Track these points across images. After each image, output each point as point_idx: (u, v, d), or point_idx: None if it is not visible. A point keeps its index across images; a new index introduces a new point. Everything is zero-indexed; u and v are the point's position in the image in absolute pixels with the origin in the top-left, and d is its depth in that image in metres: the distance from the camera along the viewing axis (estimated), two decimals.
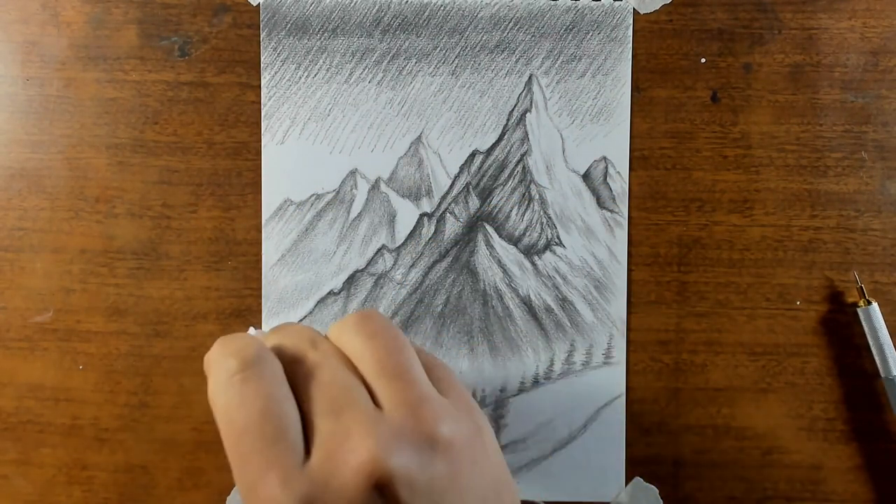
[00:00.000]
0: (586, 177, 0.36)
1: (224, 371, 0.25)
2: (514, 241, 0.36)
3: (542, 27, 0.36)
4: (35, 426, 0.37)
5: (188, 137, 0.36)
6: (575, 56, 0.36)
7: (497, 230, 0.36)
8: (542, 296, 0.36)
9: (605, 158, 0.36)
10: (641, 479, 0.36)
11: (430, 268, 0.36)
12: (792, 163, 0.36)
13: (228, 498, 0.37)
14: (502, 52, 0.36)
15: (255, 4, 0.36)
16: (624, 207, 0.36)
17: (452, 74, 0.36)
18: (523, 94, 0.36)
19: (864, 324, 0.36)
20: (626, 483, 0.36)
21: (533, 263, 0.36)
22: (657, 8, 0.36)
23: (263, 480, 0.24)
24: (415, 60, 0.36)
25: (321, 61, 0.36)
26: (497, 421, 0.36)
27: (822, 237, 0.37)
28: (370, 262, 0.36)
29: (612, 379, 0.36)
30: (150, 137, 0.36)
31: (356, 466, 0.23)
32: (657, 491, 0.36)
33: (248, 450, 0.24)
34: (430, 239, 0.36)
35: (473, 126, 0.36)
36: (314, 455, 0.24)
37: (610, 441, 0.36)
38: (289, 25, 0.36)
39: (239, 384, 0.25)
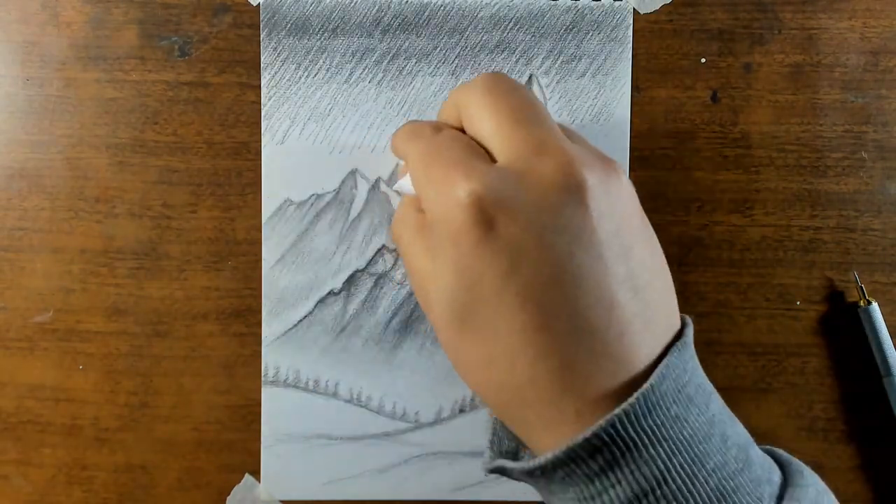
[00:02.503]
0: None
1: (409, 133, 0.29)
2: None
3: (542, 27, 0.36)
4: (35, 426, 0.37)
5: (188, 137, 0.36)
6: (575, 56, 0.36)
7: None
8: None
9: None
10: None
11: None
12: (792, 163, 0.36)
13: (228, 498, 0.37)
14: (502, 52, 0.36)
15: (255, 4, 0.36)
16: None
17: (452, 74, 0.36)
18: None
19: (864, 324, 0.36)
20: None
21: None
22: (657, 8, 0.36)
23: (448, 179, 0.25)
24: (415, 60, 0.36)
25: (321, 61, 0.36)
26: None
27: (822, 237, 0.37)
28: (370, 262, 0.36)
29: None
30: (150, 137, 0.36)
31: (553, 166, 0.25)
32: None
33: (436, 164, 0.26)
34: None
35: None
36: (504, 158, 0.26)
37: None
38: (289, 25, 0.36)
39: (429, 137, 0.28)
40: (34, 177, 0.36)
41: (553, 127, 0.26)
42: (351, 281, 0.36)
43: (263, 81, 0.36)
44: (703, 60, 0.36)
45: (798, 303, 0.37)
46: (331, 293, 0.36)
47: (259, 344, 0.36)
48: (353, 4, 0.36)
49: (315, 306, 0.36)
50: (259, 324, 0.36)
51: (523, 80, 0.36)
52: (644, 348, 0.25)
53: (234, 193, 0.36)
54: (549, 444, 0.25)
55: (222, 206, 0.36)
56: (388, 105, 0.36)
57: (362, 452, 0.36)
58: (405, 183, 0.30)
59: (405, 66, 0.36)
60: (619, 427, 0.23)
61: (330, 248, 0.36)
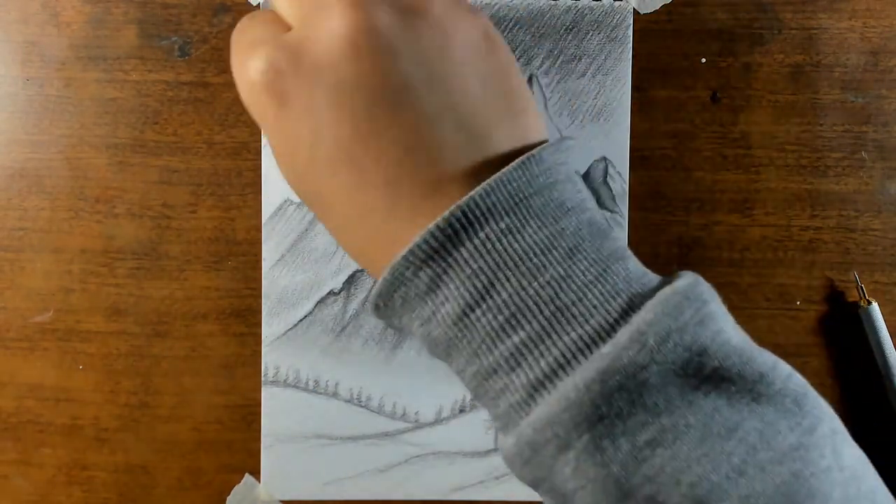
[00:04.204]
0: (586, 177, 0.36)
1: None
2: None
3: (542, 27, 0.36)
4: (35, 426, 0.37)
5: (188, 137, 0.36)
6: (575, 56, 0.36)
7: None
8: None
9: (605, 158, 0.36)
10: None
11: None
12: (792, 163, 0.36)
13: (228, 498, 0.37)
14: None
15: (254, 4, 0.36)
16: (624, 207, 0.36)
17: None
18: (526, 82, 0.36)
19: (864, 324, 0.36)
20: None
21: None
22: (657, 8, 0.36)
23: (239, 61, 0.25)
24: None
25: None
26: None
27: (822, 237, 0.37)
28: None
29: None
30: (150, 137, 0.36)
31: (335, 27, 0.23)
32: None
33: (236, 47, 0.26)
34: None
35: None
36: (292, 28, 0.25)
37: None
38: None
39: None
40: (34, 177, 0.36)
41: None
42: (351, 281, 0.36)
43: None
44: (703, 60, 0.36)
45: (798, 303, 0.37)
46: (331, 293, 0.36)
47: (259, 344, 0.36)
48: None
49: (315, 306, 0.36)
50: (259, 324, 0.36)
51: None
52: (473, 167, 0.24)
53: (234, 193, 0.36)
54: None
55: (222, 206, 0.36)
56: None
57: (362, 452, 0.36)
58: None
59: None
60: (434, 240, 0.23)
61: (330, 248, 0.36)
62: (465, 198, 0.23)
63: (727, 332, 0.23)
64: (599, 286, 0.23)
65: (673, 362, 0.22)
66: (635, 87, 0.36)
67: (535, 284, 0.23)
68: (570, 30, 0.36)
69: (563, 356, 0.22)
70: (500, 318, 0.23)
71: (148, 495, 0.37)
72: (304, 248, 0.36)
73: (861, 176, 0.36)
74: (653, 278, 0.24)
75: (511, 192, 0.23)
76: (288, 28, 0.25)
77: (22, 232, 0.36)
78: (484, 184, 0.23)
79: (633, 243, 0.36)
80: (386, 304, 0.24)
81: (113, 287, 0.37)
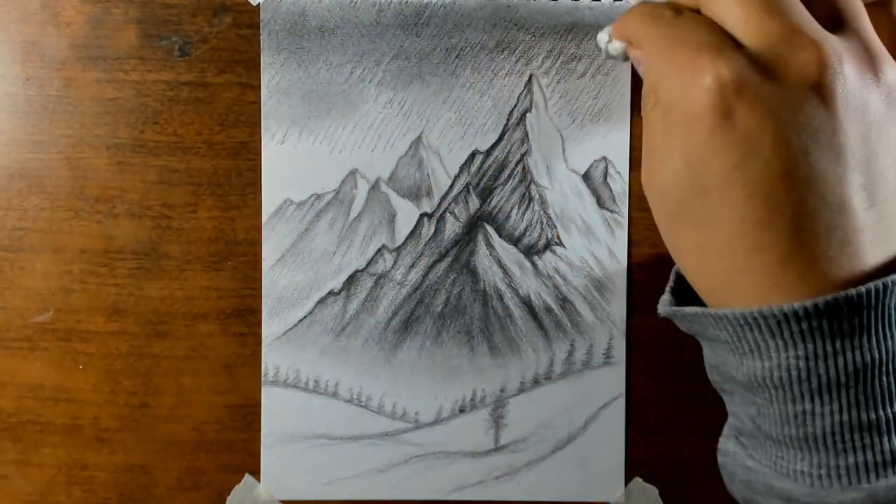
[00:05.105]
0: (586, 177, 0.36)
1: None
2: (515, 241, 0.36)
3: (542, 27, 0.36)
4: (35, 426, 0.37)
5: (188, 137, 0.36)
6: (575, 56, 0.36)
7: (497, 230, 0.36)
8: (543, 296, 0.36)
9: (605, 158, 0.36)
10: (641, 480, 0.36)
11: (430, 268, 0.36)
12: None
13: (228, 498, 0.37)
14: (502, 52, 0.36)
15: (255, 4, 0.36)
16: (624, 207, 0.36)
17: (452, 74, 0.36)
18: (523, 94, 0.36)
19: None
20: (626, 483, 0.36)
21: (533, 263, 0.36)
22: None
23: (693, 64, 0.25)
24: (415, 60, 0.36)
25: (321, 61, 0.36)
26: (497, 421, 0.36)
27: None
28: (370, 262, 0.36)
29: (612, 379, 0.36)
30: (150, 137, 0.36)
31: (804, 59, 0.24)
32: (657, 491, 0.36)
33: (680, 48, 0.25)
34: (430, 239, 0.36)
35: (473, 126, 0.36)
36: (751, 46, 0.25)
37: (610, 441, 0.36)
38: (289, 25, 0.36)
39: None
40: (34, 177, 0.36)
41: (806, 15, 0.25)
42: (351, 281, 0.36)
43: (263, 81, 0.36)
44: None
45: None
46: (331, 293, 0.36)
47: (259, 344, 0.36)
48: (353, 4, 0.36)
49: (315, 306, 0.36)
50: (259, 324, 0.36)
51: (523, 79, 0.36)
52: (869, 261, 0.24)
53: (234, 193, 0.36)
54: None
55: (222, 206, 0.36)
56: (388, 105, 0.36)
57: (362, 452, 0.36)
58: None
59: (405, 66, 0.36)
60: (874, 296, 0.23)
61: (330, 248, 0.36)
62: (888, 278, 0.24)
63: None
64: None
65: None
66: (635, 87, 0.36)
67: None
68: (570, 30, 0.36)
69: None
70: None
71: (148, 495, 0.37)
72: (304, 248, 0.36)
73: None
74: None
75: None
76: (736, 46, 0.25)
77: (22, 232, 0.36)
78: None
79: (633, 243, 0.36)
80: (781, 323, 0.24)
81: (113, 287, 0.37)
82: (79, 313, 0.37)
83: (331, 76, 0.36)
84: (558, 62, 0.36)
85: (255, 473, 0.37)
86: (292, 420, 0.36)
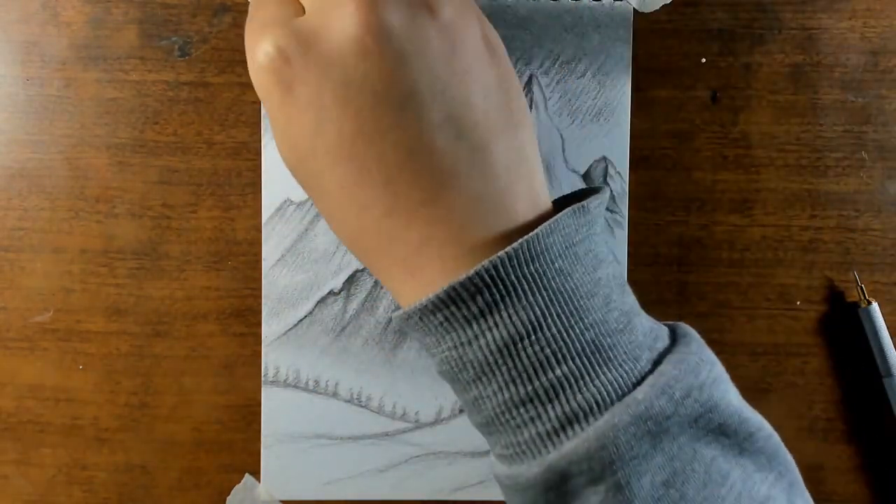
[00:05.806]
0: (586, 177, 0.36)
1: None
2: None
3: (542, 27, 0.36)
4: (35, 426, 0.37)
5: (188, 137, 0.36)
6: (575, 56, 0.36)
7: None
8: None
9: (605, 158, 0.36)
10: None
11: None
12: (792, 163, 0.36)
13: (228, 498, 0.37)
14: None
15: None
16: (624, 207, 0.36)
17: None
18: (523, 93, 0.36)
19: (864, 324, 0.36)
20: None
21: None
22: (657, 8, 0.36)
23: (251, 42, 0.25)
24: None
25: None
26: None
27: (822, 237, 0.37)
28: None
29: None
30: (150, 137, 0.36)
31: (347, 24, 0.24)
32: None
33: (249, 26, 0.26)
34: None
35: None
36: (307, 12, 0.25)
37: None
38: None
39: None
40: (34, 177, 0.36)
41: None
42: (351, 281, 0.36)
43: None
44: (703, 60, 0.36)
45: (798, 303, 0.37)
46: (331, 293, 0.36)
47: (259, 344, 0.36)
48: None
49: (315, 306, 0.36)
50: (259, 324, 0.36)
51: (523, 79, 0.36)
52: (470, 177, 0.24)
53: (234, 193, 0.36)
54: (410, 293, 0.25)
55: (222, 206, 0.36)
56: None
57: (362, 452, 0.36)
58: None
59: None
60: (502, 269, 0.23)
61: (330, 248, 0.36)
62: (529, 235, 0.24)
63: (731, 393, 0.26)
64: (627, 335, 0.25)
65: (688, 415, 0.24)
66: (635, 87, 0.36)
67: (580, 325, 0.24)
68: (570, 30, 0.36)
69: (599, 395, 0.24)
70: (547, 350, 0.24)
71: (148, 495, 0.37)
72: (304, 248, 0.36)
73: (861, 176, 0.36)
74: (662, 331, 0.26)
75: (565, 235, 0.24)
76: (301, 9, 0.25)
77: (22, 232, 0.36)
78: (544, 225, 0.24)
79: (633, 243, 0.36)
80: (422, 319, 0.25)
81: (113, 287, 0.37)
82: (79, 313, 0.37)
83: None
84: (558, 62, 0.36)
85: (255, 473, 0.37)
86: (292, 420, 0.36)
